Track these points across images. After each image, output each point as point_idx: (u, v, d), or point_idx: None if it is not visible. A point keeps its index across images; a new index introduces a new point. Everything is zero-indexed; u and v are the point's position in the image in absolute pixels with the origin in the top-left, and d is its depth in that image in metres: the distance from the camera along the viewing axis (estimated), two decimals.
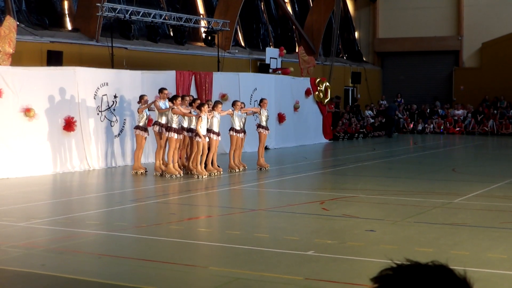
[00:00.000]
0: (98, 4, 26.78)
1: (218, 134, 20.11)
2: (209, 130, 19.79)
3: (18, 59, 22.16)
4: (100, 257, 10.29)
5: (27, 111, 19.80)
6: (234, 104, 21.26)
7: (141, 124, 20.28)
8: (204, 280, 9.23)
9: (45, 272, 9.27)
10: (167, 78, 24.16)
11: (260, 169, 21.67)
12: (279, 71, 34.50)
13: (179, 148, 20.22)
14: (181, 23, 31.20)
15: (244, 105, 22.13)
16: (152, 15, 29.55)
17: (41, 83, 20.45)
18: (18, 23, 23.20)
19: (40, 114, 20.23)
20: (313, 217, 13.76)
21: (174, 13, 31.36)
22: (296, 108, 31.59)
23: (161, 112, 19.77)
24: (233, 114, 20.98)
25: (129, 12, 28.19)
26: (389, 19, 47.35)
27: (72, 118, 20.99)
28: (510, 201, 15.66)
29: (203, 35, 33.81)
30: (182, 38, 32.00)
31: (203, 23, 33.97)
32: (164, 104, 19.90)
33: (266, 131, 22.10)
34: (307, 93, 32.57)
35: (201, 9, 35.36)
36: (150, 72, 24.32)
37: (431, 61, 46.49)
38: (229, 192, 18.25)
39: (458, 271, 2.34)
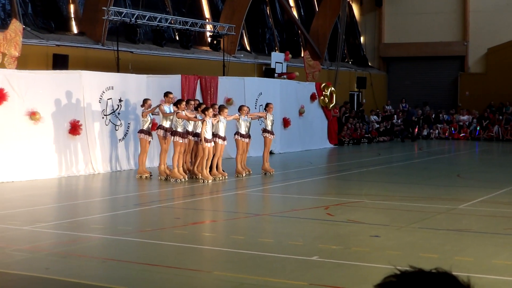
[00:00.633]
0: (104, 8, 26.82)
1: (224, 138, 20.09)
2: (215, 135, 19.78)
3: (24, 62, 22.19)
4: (104, 261, 10.28)
5: (33, 115, 19.82)
6: (240, 109, 21.24)
7: (145, 128, 20.28)
8: (208, 285, 9.22)
9: (49, 276, 9.27)
10: (173, 82, 24.16)
11: (265, 173, 21.65)
12: (285, 76, 34.50)
13: (184, 152, 20.22)
14: (186, 27, 31.23)
15: (249, 110, 22.12)
16: (158, 19, 29.58)
17: (47, 86, 20.47)
18: (24, 26, 23.22)
19: (46, 118, 20.24)
20: (318, 222, 13.75)
21: (180, 17, 31.38)
22: (301, 112, 31.58)
23: (166, 116, 19.77)
24: (239, 119, 20.96)
25: (135, 16, 28.23)
26: (394, 24, 47.34)
27: (78, 121, 21.01)
28: None
29: (209, 39, 33.83)
30: (187, 42, 32.02)
31: (208, 27, 33.99)
32: (169, 108, 19.90)
33: (272, 136, 22.09)
34: (313, 97, 32.55)
35: (207, 13, 35.39)
36: (155, 76, 24.32)
37: (436, 67, 46.45)
38: (233, 197, 18.24)
39: (462, 278, 2.33)
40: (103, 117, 21.97)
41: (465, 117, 41.90)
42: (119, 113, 22.50)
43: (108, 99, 22.13)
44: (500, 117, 40.99)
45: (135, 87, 23.02)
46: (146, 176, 20.41)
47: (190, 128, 19.97)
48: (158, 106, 20.08)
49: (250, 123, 21.31)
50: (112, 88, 22.28)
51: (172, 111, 19.77)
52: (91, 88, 21.69)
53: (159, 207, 16.13)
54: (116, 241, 11.60)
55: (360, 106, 43.84)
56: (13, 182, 19.08)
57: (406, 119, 40.75)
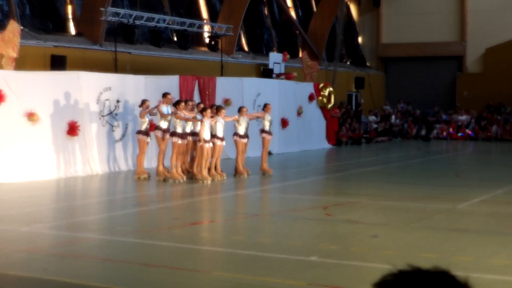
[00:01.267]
0: (102, 9, 26.80)
1: (222, 139, 20.08)
2: (213, 135, 19.77)
3: (21, 63, 22.16)
4: (103, 262, 10.28)
5: (31, 116, 19.81)
6: (240, 110, 21.21)
7: (143, 128, 20.26)
8: (207, 285, 9.22)
9: (47, 276, 9.26)
10: (171, 83, 24.15)
11: (264, 174, 21.64)
12: (283, 76, 34.49)
13: (182, 153, 20.21)
14: (184, 27, 31.22)
15: (247, 110, 22.11)
16: (155, 20, 29.57)
17: (45, 87, 20.46)
18: (21, 27, 23.19)
19: (44, 119, 20.23)
20: (316, 222, 13.75)
21: (178, 18, 31.38)
22: (299, 113, 31.57)
23: (164, 117, 19.76)
24: (239, 120, 20.94)
25: (133, 16, 28.22)
26: (392, 24, 47.35)
27: (76, 122, 21.00)
28: None
29: (207, 40, 33.82)
30: (185, 43, 32.01)
31: (206, 28, 33.99)
32: (167, 109, 19.89)
33: (270, 136, 22.08)
34: (311, 98, 32.54)
35: (204, 14, 35.38)
36: (153, 76, 24.32)
37: (434, 67, 46.46)
38: (232, 197, 18.23)
39: (460, 277, 2.32)
40: (100, 118, 21.96)
41: (463, 117, 41.90)
42: (116, 114, 22.48)
43: (106, 100, 22.12)
44: (498, 117, 41.00)
45: (133, 88, 23.01)
46: (144, 177, 20.39)
47: (188, 129, 19.96)
48: (156, 107, 20.07)
49: (248, 124, 21.30)
50: (110, 89, 22.26)
51: (170, 112, 19.77)
52: (89, 89, 21.67)
53: (157, 207, 16.12)
54: (115, 242, 11.60)
55: (359, 106, 43.84)
56: (11, 183, 19.05)
57: (423, 118, 40.92)
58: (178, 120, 19.53)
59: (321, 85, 33.28)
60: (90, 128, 21.58)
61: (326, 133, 34.03)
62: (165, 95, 20.27)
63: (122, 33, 28.64)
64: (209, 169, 19.98)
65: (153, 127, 20.52)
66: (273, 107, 23.70)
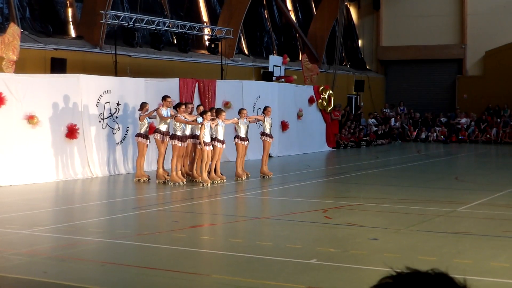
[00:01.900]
0: (102, 12, 26.82)
1: (222, 142, 20.09)
2: (213, 138, 19.78)
3: (21, 66, 22.18)
4: (102, 264, 10.28)
5: (31, 118, 19.82)
6: (240, 112, 21.24)
7: (142, 131, 20.27)
8: None
9: (47, 279, 9.26)
10: (171, 86, 24.16)
11: (263, 177, 21.64)
12: (283, 79, 34.49)
13: (182, 156, 20.22)
14: (184, 30, 31.24)
15: (247, 113, 22.12)
16: (155, 23, 29.59)
17: (45, 90, 20.47)
18: (22, 30, 23.21)
19: (44, 122, 20.24)
20: (316, 225, 13.75)
21: (178, 21, 31.40)
22: (299, 116, 31.58)
23: (163, 119, 19.77)
24: (238, 123, 20.95)
25: (133, 19, 28.23)
26: (392, 27, 47.36)
27: (75, 125, 21.00)
28: None
29: (207, 42, 33.84)
30: (185, 46, 32.02)
31: (206, 31, 34.00)
32: (166, 111, 19.90)
33: (270, 139, 22.08)
34: (311, 101, 32.55)
35: (204, 17, 35.40)
36: (153, 79, 24.33)
37: (434, 70, 46.48)
38: (232, 200, 18.23)
39: (458, 279, 2.33)
40: (100, 121, 21.96)
41: (463, 120, 41.91)
42: (116, 117, 22.49)
43: (106, 102, 22.13)
44: (498, 120, 41.00)
45: (133, 90, 23.02)
46: (144, 180, 20.40)
47: (187, 132, 19.97)
48: (156, 109, 20.07)
49: (248, 126, 21.30)
50: (110, 92, 22.27)
51: (170, 115, 19.78)
52: (89, 91, 21.68)
53: (157, 210, 16.12)
54: (114, 245, 11.60)
55: (358, 109, 43.84)
56: (11, 186, 19.07)
57: (450, 122, 40.97)
58: (178, 123, 19.53)
59: (321, 88, 33.29)
60: (90, 131, 21.59)
61: (326, 136, 34.03)
62: (164, 98, 20.27)
63: (122, 36, 28.66)
64: (209, 172, 19.99)
65: (152, 130, 20.52)
66: (273, 110, 23.70)
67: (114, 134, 22.43)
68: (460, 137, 40.85)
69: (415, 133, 42.15)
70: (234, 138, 21.19)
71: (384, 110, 44.04)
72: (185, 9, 34.40)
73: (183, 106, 19.90)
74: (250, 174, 21.44)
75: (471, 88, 44.85)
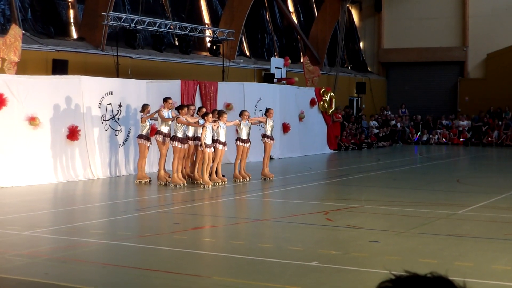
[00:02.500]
0: (104, 13, 26.83)
1: (224, 144, 20.09)
2: (215, 140, 19.78)
3: (23, 67, 22.19)
4: (103, 266, 10.28)
5: (32, 120, 19.83)
6: (241, 114, 21.24)
7: (143, 133, 20.28)
8: None
9: (48, 281, 9.26)
10: (172, 87, 24.17)
11: (265, 179, 21.65)
12: (284, 81, 34.50)
13: (183, 157, 20.23)
14: (186, 32, 31.25)
15: (249, 115, 22.11)
16: (157, 25, 29.59)
17: (46, 91, 20.48)
18: (23, 31, 23.22)
19: (45, 123, 20.25)
20: (317, 227, 13.74)
21: (180, 23, 31.40)
22: (301, 118, 31.57)
23: (165, 121, 19.77)
24: (240, 125, 20.96)
25: (135, 21, 28.24)
26: (394, 29, 47.37)
27: (76, 127, 21.00)
28: None
29: (208, 44, 33.86)
30: (187, 48, 32.02)
31: (208, 32, 34.00)
32: (168, 113, 19.91)
33: (271, 141, 22.08)
34: (312, 103, 32.55)
35: (206, 18, 35.41)
36: (155, 81, 24.34)
37: (436, 72, 46.46)
38: (233, 202, 18.23)
39: (458, 282, 2.33)
40: (102, 122, 21.98)
41: (465, 122, 41.90)
42: (119, 119, 22.50)
43: (107, 104, 22.14)
44: (499, 122, 40.98)
45: (134, 92, 23.03)
46: (145, 181, 20.41)
47: (190, 134, 19.99)
48: (158, 111, 20.07)
49: (250, 128, 21.30)
50: (112, 94, 22.28)
51: (171, 117, 19.78)
52: (91, 93, 21.69)
53: (158, 212, 16.13)
54: (116, 246, 11.60)
55: (360, 111, 43.85)
56: (12, 187, 19.08)
57: (474, 125, 40.96)
58: (179, 125, 19.55)
59: (323, 90, 33.29)
60: (92, 132, 21.59)
61: (327, 138, 34.02)
62: (166, 99, 20.27)
63: (124, 38, 28.67)
64: (210, 174, 20.00)
65: (154, 131, 20.52)
66: (275, 112, 23.71)
67: (116, 135, 22.44)
68: (461, 139, 40.84)
69: (417, 135, 42.13)
70: (236, 140, 21.20)
71: (386, 112, 44.00)
72: (187, 11, 34.42)
73: (185, 108, 19.91)
74: (252, 176, 21.44)
75: (473, 91, 44.84)
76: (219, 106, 25.59)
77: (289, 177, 23.75)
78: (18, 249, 11.17)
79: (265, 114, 22.36)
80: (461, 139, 40.78)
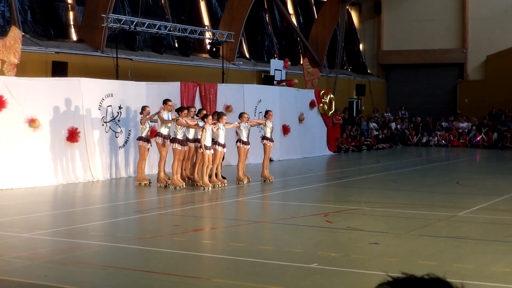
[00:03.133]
0: (103, 15, 26.83)
1: (223, 145, 20.09)
2: (214, 142, 19.78)
3: (23, 69, 22.19)
4: (103, 268, 10.28)
5: (32, 122, 19.83)
6: (241, 116, 21.23)
7: (143, 135, 20.28)
8: None
9: (48, 283, 9.26)
10: (172, 89, 24.18)
11: (264, 181, 21.65)
12: (284, 83, 34.51)
13: (183, 159, 20.23)
14: (186, 34, 31.24)
15: (249, 117, 22.11)
16: (157, 26, 29.59)
17: (46, 93, 20.47)
18: (23, 33, 23.24)
19: (45, 125, 20.25)
20: (317, 229, 13.75)
21: (179, 25, 31.40)
22: (300, 120, 31.58)
23: (165, 123, 19.78)
24: (240, 127, 20.95)
25: (134, 23, 28.24)
26: (393, 31, 47.38)
27: (76, 129, 21.00)
28: None
29: (208, 46, 33.85)
30: (187, 50, 32.03)
31: (208, 34, 34.01)
32: (167, 115, 19.91)
33: (271, 143, 22.08)
34: (312, 105, 32.56)
35: (206, 20, 35.42)
36: (155, 83, 24.34)
37: (435, 74, 46.47)
38: (233, 204, 18.23)
39: (455, 284, 2.33)
40: (103, 124, 21.98)
41: (464, 124, 41.91)
42: (119, 120, 22.50)
43: (108, 106, 22.15)
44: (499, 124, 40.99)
45: (134, 94, 23.03)
46: (145, 183, 20.41)
47: (190, 136, 19.99)
48: (157, 113, 20.08)
49: (249, 130, 21.30)
50: (112, 95, 22.28)
51: (171, 118, 19.79)
52: (91, 95, 21.69)
53: (158, 214, 16.13)
54: (115, 248, 11.60)
55: (359, 113, 43.86)
56: (12, 189, 19.08)
57: (496, 127, 40.96)
58: (179, 127, 19.55)
59: (322, 92, 33.30)
60: (92, 134, 21.59)
61: (327, 140, 34.03)
62: (165, 101, 20.27)
63: (124, 40, 28.67)
64: (210, 176, 20.00)
65: (154, 133, 20.53)
66: (274, 114, 23.72)
67: (116, 137, 22.44)
68: (460, 141, 40.86)
69: (417, 137, 42.14)
70: (236, 142, 21.19)
71: (385, 114, 44.03)
72: (187, 13, 34.43)
73: (185, 111, 19.92)
74: (251, 178, 21.45)
75: (472, 93, 44.86)
76: (219, 108, 25.60)
77: (288, 179, 23.75)
78: (17, 251, 11.17)
79: (264, 116, 22.36)
80: (460, 141, 40.76)
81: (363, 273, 9.89)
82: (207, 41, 34.14)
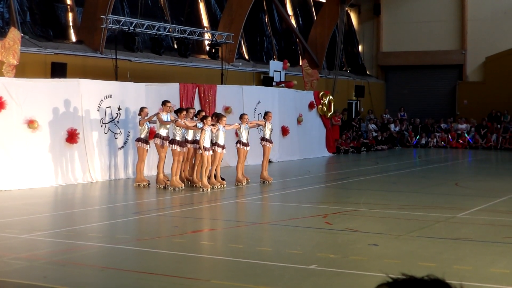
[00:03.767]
0: (103, 16, 26.84)
1: (223, 147, 20.07)
2: (214, 143, 19.77)
3: (22, 70, 22.20)
4: (102, 269, 10.27)
5: (31, 123, 19.82)
6: (241, 117, 21.22)
7: (142, 136, 20.28)
8: None
9: (47, 284, 9.25)
10: (171, 91, 24.18)
11: (264, 182, 21.64)
12: (283, 84, 34.51)
13: (182, 161, 20.22)
14: (185, 35, 31.25)
15: (248, 118, 22.11)
16: (156, 28, 29.60)
17: (45, 94, 20.47)
18: (22, 34, 23.24)
19: (44, 126, 20.24)
20: (316, 231, 13.74)
21: (178, 26, 31.41)
22: (299, 121, 31.58)
23: (164, 124, 19.78)
24: (240, 128, 20.95)
25: (133, 24, 28.24)
26: (392, 32, 47.41)
27: (75, 130, 20.99)
28: None
29: (207, 47, 33.86)
30: (186, 51, 32.04)
31: (207, 35, 34.02)
32: (166, 116, 19.91)
33: (270, 144, 22.07)
34: (311, 106, 32.56)
35: (205, 21, 35.43)
36: (154, 84, 24.34)
37: (434, 75, 46.51)
38: (232, 206, 18.22)
39: (454, 285, 2.33)
40: (101, 125, 21.97)
41: (463, 126, 41.91)
42: (118, 122, 22.50)
43: (107, 107, 22.14)
44: (498, 125, 41.00)
45: (133, 95, 23.02)
46: (144, 185, 20.40)
47: (189, 137, 19.98)
48: (156, 114, 20.08)
49: (248, 131, 21.29)
50: (111, 97, 22.28)
51: (169, 120, 19.78)
52: (90, 96, 21.69)
53: (157, 215, 16.12)
54: (114, 250, 11.59)
55: (358, 114, 43.86)
56: (11, 190, 19.07)
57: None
58: (178, 128, 19.55)
59: (321, 93, 33.31)
60: (91, 135, 21.59)
61: (326, 141, 34.03)
62: (164, 103, 20.28)
63: (123, 41, 28.67)
64: (209, 177, 19.99)
65: (153, 134, 20.52)
66: (273, 115, 23.71)
67: (116, 138, 22.44)
68: (459, 141, 40.86)
69: (416, 139, 42.15)
70: (236, 143, 21.18)
71: (384, 115, 44.04)
72: (186, 14, 34.44)
73: (184, 112, 19.92)
74: (250, 179, 21.44)
75: (472, 94, 44.88)
76: (218, 109, 25.61)
77: (288, 180, 23.74)
78: (16, 252, 11.16)
79: (264, 118, 22.36)
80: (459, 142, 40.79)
81: (362, 275, 9.89)
82: (206, 42, 34.16)
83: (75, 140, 20.99)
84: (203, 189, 19.50)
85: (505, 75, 42.98)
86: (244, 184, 20.98)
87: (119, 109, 22.50)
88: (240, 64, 35.75)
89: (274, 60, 37.97)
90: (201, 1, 35.35)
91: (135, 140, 20.81)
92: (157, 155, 20.87)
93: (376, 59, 48.38)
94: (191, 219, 15.52)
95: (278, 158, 29.60)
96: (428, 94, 46.40)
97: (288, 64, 36.37)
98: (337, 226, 14.00)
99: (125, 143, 22.73)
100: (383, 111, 45.45)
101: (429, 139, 41.84)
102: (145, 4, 31.08)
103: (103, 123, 22.01)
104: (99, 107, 21.90)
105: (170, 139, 19.77)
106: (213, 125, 19.68)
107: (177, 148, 19.56)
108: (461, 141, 40.90)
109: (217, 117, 20.34)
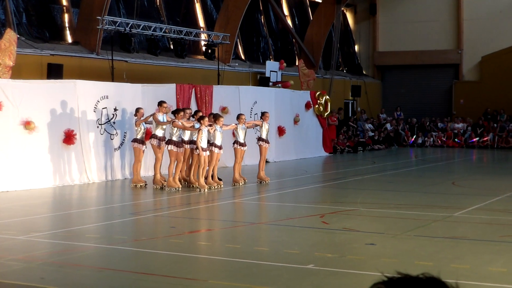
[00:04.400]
0: (99, 17, 26.82)
1: (220, 147, 20.07)
2: (211, 144, 19.76)
3: (18, 72, 22.17)
4: (100, 270, 10.26)
5: (27, 124, 19.80)
6: (238, 117, 21.22)
7: (138, 137, 20.28)
8: None
9: (44, 285, 9.24)
10: (167, 91, 24.17)
11: (260, 182, 21.64)
12: (279, 84, 34.52)
13: (180, 161, 20.21)
14: (181, 36, 31.25)
15: (245, 118, 22.11)
16: (152, 28, 29.59)
17: (41, 96, 20.45)
18: (18, 36, 23.22)
19: (40, 127, 20.22)
20: (313, 230, 13.74)
21: (175, 26, 31.41)
22: (296, 121, 31.58)
23: (160, 125, 19.77)
24: (237, 128, 20.96)
25: (130, 25, 28.23)
26: (389, 32, 47.44)
27: (72, 131, 20.99)
28: (510, 214, 15.64)
29: (203, 48, 33.84)
30: (182, 51, 32.04)
31: (203, 36, 34.02)
32: (162, 117, 19.90)
33: (267, 144, 22.07)
34: (307, 106, 32.58)
35: (201, 22, 35.42)
36: (150, 85, 24.34)
37: (431, 75, 46.54)
38: (229, 206, 18.22)
39: (450, 283, 2.34)
40: (98, 126, 21.97)
41: (460, 125, 41.96)
42: (114, 122, 22.49)
43: (103, 108, 22.13)
44: (495, 124, 41.05)
45: (130, 96, 23.01)
46: (141, 185, 20.40)
47: (186, 137, 19.97)
48: (152, 115, 20.07)
49: (245, 132, 21.30)
50: (107, 97, 22.27)
51: (165, 120, 19.78)
52: (86, 97, 21.68)
53: (154, 216, 16.11)
54: (112, 250, 11.58)
55: (355, 114, 43.88)
56: (7, 191, 19.05)
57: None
58: (175, 129, 19.54)
59: (318, 93, 33.32)
60: (87, 136, 21.58)
61: (322, 141, 34.04)
62: (160, 103, 20.27)
63: (119, 42, 28.65)
64: (206, 178, 19.99)
65: (149, 135, 20.51)
66: (270, 115, 23.70)
67: (112, 139, 22.43)
68: (456, 140, 40.90)
69: (412, 138, 42.18)
70: (233, 143, 21.19)
71: (381, 115, 44.07)
72: (182, 15, 34.43)
73: (181, 112, 19.91)
74: (247, 180, 21.45)
75: (468, 93, 44.92)
76: (215, 109, 25.60)
77: (284, 180, 23.75)
78: (14, 254, 11.15)
79: (261, 118, 22.36)
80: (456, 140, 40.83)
81: (360, 274, 9.89)
82: (203, 42, 34.14)
83: (72, 141, 20.98)
84: (200, 190, 19.49)
85: (501, 74, 43.04)
86: (241, 184, 20.98)
87: (115, 110, 22.49)
88: (237, 64, 35.76)
89: (270, 60, 37.98)
90: (197, 2, 35.35)
91: (132, 141, 20.80)
92: (153, 156, 20.86)
93: (372, 59, 48.41)
94: (188, 219, 15.53)
95: (274, 158, 29.60)
96: (425, 94, 46.44)
97: (285, 64, 36.37)
98: (334, 225, 14.01)
99: (121, 144, 22.73)
100: (379, 110, 45.49)
101: (426, 139, 41.87)
102: (141, 5, 31.08)
103: (99, 124, 22.01)
104: (96, 108, 21.90)
105: (166, 139, 19.77)
106: (210, 125, 19.67)
107: (173, 148, 19.56)
108: (457, 140, 40.93)
109: (215, 118, 20.34)
